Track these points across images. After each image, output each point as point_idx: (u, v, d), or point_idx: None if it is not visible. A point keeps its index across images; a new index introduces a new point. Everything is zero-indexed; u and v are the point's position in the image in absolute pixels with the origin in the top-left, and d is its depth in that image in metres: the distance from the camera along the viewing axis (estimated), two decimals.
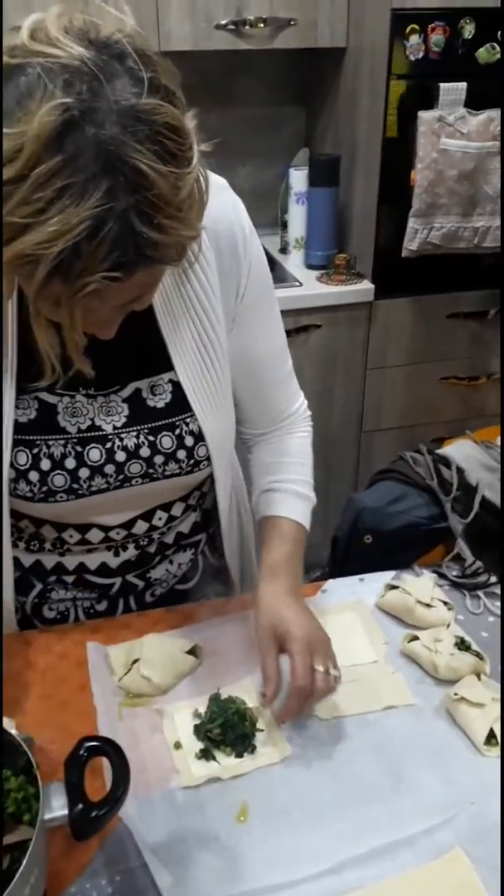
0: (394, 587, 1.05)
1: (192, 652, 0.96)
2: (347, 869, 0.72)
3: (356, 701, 0.90)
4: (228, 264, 0.89)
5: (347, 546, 1.17)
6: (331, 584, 1.10)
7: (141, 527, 0.97)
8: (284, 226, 2.36)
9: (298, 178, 2.25)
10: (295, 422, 1.06)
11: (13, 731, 0.69)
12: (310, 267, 2.28)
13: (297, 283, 2.16)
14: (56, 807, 0.64)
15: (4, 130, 0.56)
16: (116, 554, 0.99)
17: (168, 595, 1.07)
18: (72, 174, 0.56)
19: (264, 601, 0.91)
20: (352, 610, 1.05)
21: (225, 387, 0.94)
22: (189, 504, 1.02)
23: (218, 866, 0.73)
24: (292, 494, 1.02)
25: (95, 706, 0.88)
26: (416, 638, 0.97)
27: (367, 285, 2.15)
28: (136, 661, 0.92)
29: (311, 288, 2.14)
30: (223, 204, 0.87)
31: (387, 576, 1.10)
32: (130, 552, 0.99)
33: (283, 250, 2.39)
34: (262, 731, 0.86)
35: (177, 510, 1.00)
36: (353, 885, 0.71)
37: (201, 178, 0.65)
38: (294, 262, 2.32)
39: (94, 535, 0.95)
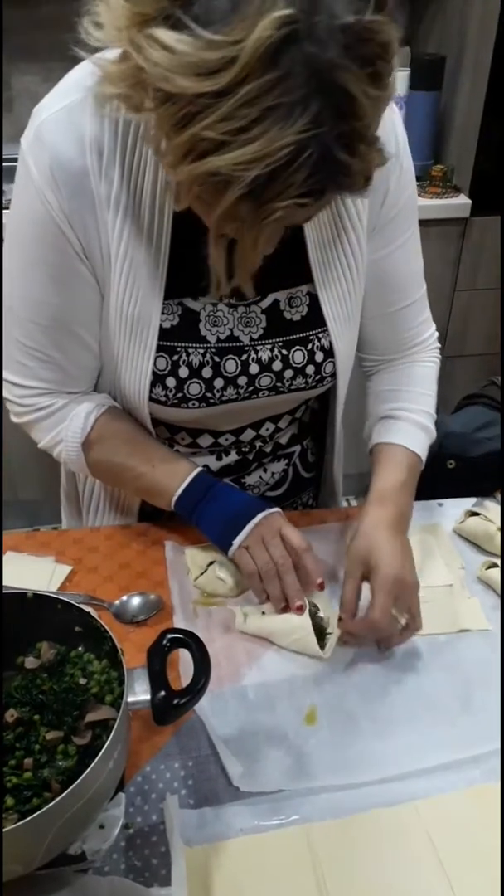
0: (474, 513, 1.02)
1: None
2: (413, 778, 0.74)
3: (429, 622, 0.90)
4: (379, 172, 0.84)
5: (428, 470, 1.14)
6: None
7: (248, 435, 0.99)
8: None
9: (398, 80, 2.10)
10: (422, 351, 1.03)
11: (90, 609, 0.72)
12: None
13: None
14: (139, 691, 0.66)
15: (213, 36, 0.51)
16: (219, 458, 1.01)
17: None
18: (282, 94, 0.52)
19: (365, 526, 0.89)
20: (428, 533, 1.04)
21: (358, 302, 0.92)
22: (295, 417, 1.03)
23: (285, 762, 0.75)
24: (412, 423, 0.99)
25: (172, 603, 0.90)
26: (494, 565, 0.96)
27: (463, 200, 2.03)
28: (212, 562, 0.93)
29: None
30: None
31: (467, 502, 1.07)
32: (232, 457, 1.01)
33: None
34: (330, 633, 0.87)
35: (284, 422, 1.01)
36: (419, 793, 0.72)
37: None
38: None
39: (205, 440, 0.98)
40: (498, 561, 0.96)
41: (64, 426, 0.92)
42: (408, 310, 0.99)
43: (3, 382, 0.92)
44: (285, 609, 0.86)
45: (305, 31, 0.51)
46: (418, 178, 2.12)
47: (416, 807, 0.71)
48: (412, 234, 0.94)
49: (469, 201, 2.03)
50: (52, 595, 0.74)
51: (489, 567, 0.96)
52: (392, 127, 0.84)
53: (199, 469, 0.91)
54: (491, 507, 1.03)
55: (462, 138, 2.07)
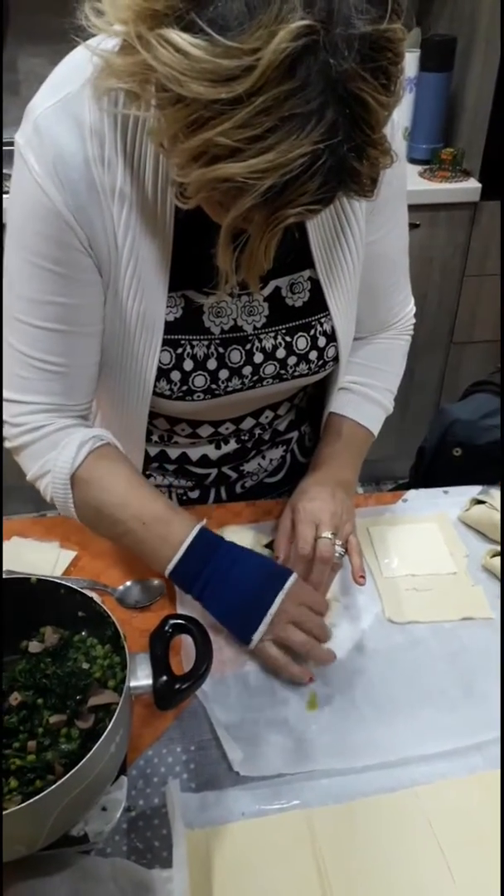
0: (480, 502, 1.02)
1: (269, 546, 0.97)
2: (414, 764, 0.74)
3: (432, 609, 0.90)
4: None
5: (434, 458, 1.14)
6: (412, 494, 1.09)
7: (248, 423, 0.99)
8: None
9: (408, 61, 2.07)
10: (399, 327, 1.04)
11: (93, 596, 0.72)
12: (412, 161, 2.14)
13: None
14: (141, 676, 0.67)
15: (230, 43, 0.50)
16: (218, 447, 1.01)
17: (256, 487, 1.09)
18: (298, 104, 0.51)
19: (299, 488, 0.93)
20: (433, 521, 1.03)
21: (356, 285, 0.92)
22: (293, 403, 1.03)
23: (286, 747, 0.76)
24: (365, 398, 1.01)
25: (176, 588, 0.91)
26: (498, 553, 0.95)
27: (473, 184, 2.01)
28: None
29: (413, 184, 2.01)
30: None
31: (473, 490, 1.07)
32: (231, 445, 1.01)
33: None
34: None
35: (283, 409, 1.02)
36: (420, 779, 0.72)
37: None
38: None
39: (204, 430, 0.97)
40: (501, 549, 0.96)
41: (54, 455, 0.84)
42: (392, 288, 1.00)
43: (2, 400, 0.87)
44: None
45: (323, 42, 0.51)
46: (427, 162, 2.10)
47: (416, 793, 0.72)
48: (403, 212, 0.94)
49: (479, 185, 2.00)
50: (55, 580, 0.74)
51: (493, 555, 0.96)
52: None
53: (193, 534, 0.81)
54: (496, 496, 1.02)
55: (472, 121, 2.04)
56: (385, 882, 0.66)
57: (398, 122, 0.85)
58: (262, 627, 0.79)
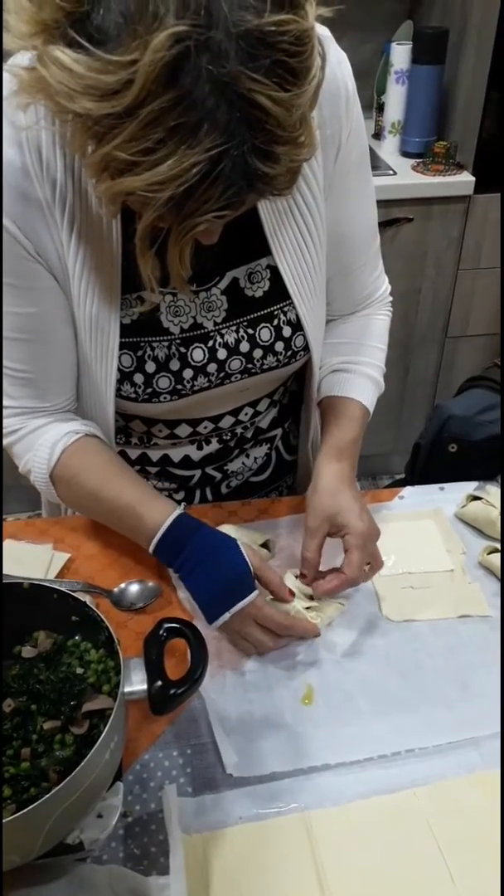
0: (476, 498, 1.02)
1: (264, 545, 0.96)
2: (412, 764, 0.73)
3: (430, 606, 0.90)
4: (330, 127, 0.81)
5: (430, 454, 1.13)
6: (408, 490, 1.08)
7: (227, 421, 0.97)
8: (381, 108, 2.20)
9: (400, 54, 2.06)
10: (376, 305, 1.03)
11: (87, 598, 0.71)
12: (405, 154, 2.13)
13: (391, 172, 2.02)
14: (136, 681, 0.66)
15: (109, 57, 0.49)
16: (200, 447, 1.00)
17: (242, 487, 1.08)
18: (185, 112, 0.50)
19: (324, 483, 0.90)
20: (429, 518, 1.03)
21: (322, 268, 0.90)
22: (273, 399, 1.02)
23: (282, 743, 0.75)
24: (364, 377, 0.99)
25: (175, 585, 0.90)
26: (496, 550, 0.95)
27: (466, 177, 2.00)
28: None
29: (406, 177, 2.00)
30: (328, 60, 0.78)
31: (469, 486, 1.06)
32: (213, 446, 1.00)
33: (377, 135, 2.23)
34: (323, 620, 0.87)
35: (262, 405, 1.00)
36: (419, 780, 0.72)
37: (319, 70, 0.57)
38: (388, 149, 2.17)
39: (182, 430, 0.96)
40: (499, 545, 0.95)
41: (31, 455, 0.89)
42: (363, 268, 0.98)
43: None
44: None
45: (200, 46, 0.49)
46: (420, 156, 2.09)
47: (415, 794, 0.71)
48: (367, 187, 0.92)
49: (472, 178, 1.99)
50: (48, 584, 0.73)
51: (490, 552, 0.95)
52: (342, 80, 0.81)
53: (165, 525, 0.82)
54: (492, 492, 1.02)
55: (465, 113, 2.03)
56: (385, 884, 0.65)
57: (352, 91, 0.82)
58: (216, 624, 0.80)
